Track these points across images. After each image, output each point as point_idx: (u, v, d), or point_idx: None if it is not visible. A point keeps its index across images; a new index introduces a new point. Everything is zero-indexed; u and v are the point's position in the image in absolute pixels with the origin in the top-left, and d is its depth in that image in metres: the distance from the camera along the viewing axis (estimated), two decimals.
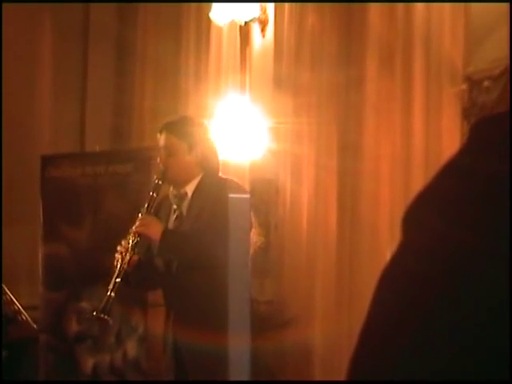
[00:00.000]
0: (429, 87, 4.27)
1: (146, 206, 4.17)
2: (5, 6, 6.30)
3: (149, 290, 4.76)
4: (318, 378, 4.89)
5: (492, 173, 0.65)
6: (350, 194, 4.74)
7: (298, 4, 5.37)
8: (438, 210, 0.67)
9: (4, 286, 5.45)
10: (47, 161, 5.71)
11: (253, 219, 4.51)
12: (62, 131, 6.89)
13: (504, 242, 0.62)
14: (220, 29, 6.02)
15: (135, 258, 4.11)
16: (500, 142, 0.67)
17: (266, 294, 5.22)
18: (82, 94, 7.11)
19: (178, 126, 4.22)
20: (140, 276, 4.22)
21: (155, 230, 4.10)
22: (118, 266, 4.07)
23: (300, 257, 5.14)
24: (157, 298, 5.19)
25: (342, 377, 0.70)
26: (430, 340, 0.63)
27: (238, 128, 5.51)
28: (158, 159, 4.25)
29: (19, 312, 5.46)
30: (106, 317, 4.02)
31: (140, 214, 4.16)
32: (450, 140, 4.07)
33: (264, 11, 5.67)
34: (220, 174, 4.26)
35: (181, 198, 4.21)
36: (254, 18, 5.65)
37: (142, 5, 6.99)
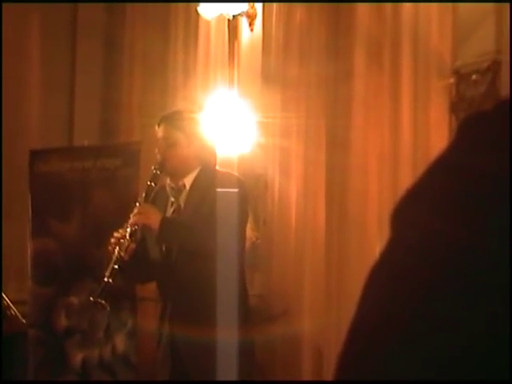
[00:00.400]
0: (417, 81, 4.28)
1: (143, 195, 4.17)
2: None
3: (144, 282, 4.73)
4: (307, 371, 4.90)
5: (481, 170, 0.66)
6: (338, 189, 4.74)
7: None
8: (428, 206, 0.67)
9: None
10: (36, 155, 5.70)
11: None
12: (51, 126, 6.87)
13: (494, 238, 0.62)
14: (208, 23, 6.01)
15: (132, 246, 4.10)
16: (489, 138, 0.68)
17: (256, 287, 5.23)
18: (71, 89, 7.09)
19: (177, 119, 4.24)
20: (136, 266, 4.20)
21: (154, 219, 4.10)
22: (116, 253, 4.05)
23: (289, 251, 5.15)
24: (146, 292, 5.19)
25: (332, 370, 0.70)
26: (419, 338, 0.63)
27: (227, 122, 5.51)
28: (157, 150, 4.25)
29: (8, 307, 5.45)
30: (103, 302, 4.01)
31: (137, 204, 4.15)
32: (439, 134, 4.07)
33: (252, 5, 5.66)
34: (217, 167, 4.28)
35: (178, 190, 4.21)
36: (242, 11, 5.64)
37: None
